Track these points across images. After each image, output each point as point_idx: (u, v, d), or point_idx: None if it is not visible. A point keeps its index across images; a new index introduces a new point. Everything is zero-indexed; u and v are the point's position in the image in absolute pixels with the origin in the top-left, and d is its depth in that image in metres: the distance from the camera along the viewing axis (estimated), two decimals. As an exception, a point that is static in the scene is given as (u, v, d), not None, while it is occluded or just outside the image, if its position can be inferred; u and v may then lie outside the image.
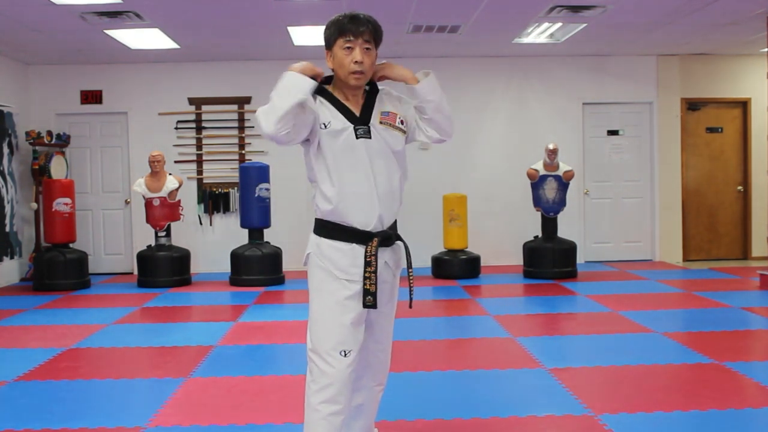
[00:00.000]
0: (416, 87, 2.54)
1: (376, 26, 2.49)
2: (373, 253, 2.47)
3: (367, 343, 2.62)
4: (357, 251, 2.49)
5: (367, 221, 2.49)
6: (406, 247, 2.67)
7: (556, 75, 9.51)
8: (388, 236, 2.55)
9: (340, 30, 2.46)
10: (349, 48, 2.45)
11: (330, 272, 2.50)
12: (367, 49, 2.46)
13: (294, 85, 2.32)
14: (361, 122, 2.49)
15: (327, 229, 2.52)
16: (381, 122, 2.53)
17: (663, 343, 5.06)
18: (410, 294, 2.64)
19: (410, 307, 2.69)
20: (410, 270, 2.64)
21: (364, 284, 2.47)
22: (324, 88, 2.53)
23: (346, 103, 2.52)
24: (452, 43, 8.48)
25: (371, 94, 2.59)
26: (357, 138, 2.46)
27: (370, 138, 2.49)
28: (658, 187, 9.64)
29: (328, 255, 2.51)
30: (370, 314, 2.60)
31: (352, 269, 2.49)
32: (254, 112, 9.25)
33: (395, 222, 2.64)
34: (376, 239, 2.49)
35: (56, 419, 3.60)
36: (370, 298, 2.47)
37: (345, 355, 2.43)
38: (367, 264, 2.47)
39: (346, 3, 6.52)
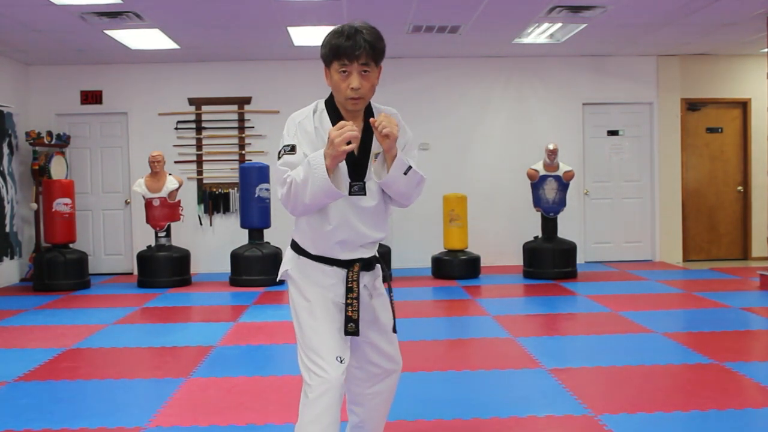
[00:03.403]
0: (383, 179, 2.36)
1: (374, 44, 2.28)
2: (354, 278, 2.41)
3: (370, 356, 2.61)
4: (339, 273, 2.45)
5: (347, 256, 2.44)
6: (384, 267, 2.61)
7: (556, 75, 9.51)
8: (369, 262, 2.49)
9: (335, 53, 2.28)
10: (345, 72, 2.29)
11: (312, 284, 2.47)
12: (365, 71, 2.29)
13: (325, 193, 2.23)
14: (357, 175, 2.37)
15: (306, 252, 2.49)
16: (375, 159, 2.40)
17: (663, 344, 5.06)
18: (393, 318, 2.60)
19: (394, 332, 2.62)
20: (391, 294, 2.59)
21: (346, 311, 2.41)
22: (332, 103, 2.42)
23: None
24: (452, 43, 8.48)
25: (368, 116, 2.42)
26: (350, 194, 2.35)
27: (364, 195, 2.39)
28: (658, 187, 9.64)
29: (308, 273, 2.47)
30: (367, 334, 2.56)
31: (336, 288, 2.44)
32: (254, 112, 9.17)
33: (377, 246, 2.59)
34: (357, 265, 2.43)
35: (56, 419, 3.60)
36: (351, 325, 2.41)
37: (341, 361, 2.38)
38: (348, 290, 2.41)
39: (346, 3, 6.52)
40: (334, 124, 2.33)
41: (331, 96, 2.43)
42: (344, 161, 2.29)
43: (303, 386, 2.42)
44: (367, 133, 2.38)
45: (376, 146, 2.40)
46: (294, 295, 2.52)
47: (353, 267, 2.42)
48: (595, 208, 9.70)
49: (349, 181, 2.36)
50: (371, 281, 2.55)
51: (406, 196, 2.44)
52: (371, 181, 2.40)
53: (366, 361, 2.63)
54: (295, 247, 2.54)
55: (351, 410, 2.78)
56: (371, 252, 2.51)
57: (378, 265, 2.57)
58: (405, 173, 2.34)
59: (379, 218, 2.48)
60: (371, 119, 2.30)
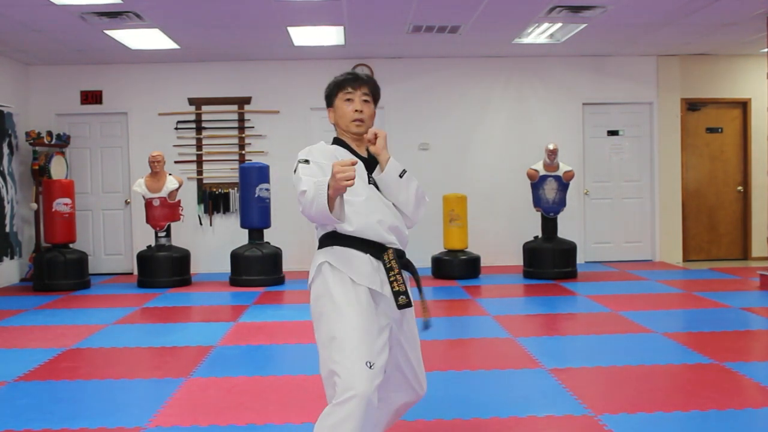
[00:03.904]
0: (380, 175, 2.59)
1: (374, 83, 2.69)
2: (392, 258, 2.51)
3: (398, 360, 2.62)
4: (374, 261, 2.51)
5: (380, 238, 2.53)
6: (415, 272, 2.65)
7: (556, 75, 9.51)
8: (401, 253, 2.59)
9: (339, 85, 2.65)
10: (349, 100, 2.62)
11: (347, 280, 2.46)
12: (366, 101, 2.64)
13: (324, 217, 2.38)
14: (370, 169, 2.61)
15: (341, 239, 2.52)
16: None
17: (663, 344, 5.06)
18: (424, 315, 2.61)
19: (426, 328, 2.62)
20: (421, 294, 2.62)
21: (392, 287, 2.48)
22: (337, 138, 2.70)
23: (355, 150, 2.65)
24: (452, 43, 8.48)
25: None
26: (369, 183, 2.58)
27: (377, 188, 2.61)
28: (658, 187, 9.64)
29: (345, 261, 2.49)
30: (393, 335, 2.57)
31: (374, 275, 2.48)
32: (254, 112, 9.18)
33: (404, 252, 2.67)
34: (391, 249, 2.53)
35: (56, 419, 3.60)
36: (403, 297, 2.47)
37: (370, 367, 2.33)
38: (388, 270, 2.49)
39: (346, 3, 6.52)
40: (345, 148, 2.63)
41: (335, 138, 2.71)
42: (361, 162, 2.55)
43: (326, 391, 2.42)
44: (372, 158, 2.65)
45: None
46: (321, 293, 2.49)
47: (388, 251, 2.51)
48: (595, 208, 9.71)
49: (367, 173, 2.60)
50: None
51: (407, 205, 2.62)
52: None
53: (395, 366, 2.63)
54: (327, 239, 2.56)
55: None
56: (401, 246, 2.60)
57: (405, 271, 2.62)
58: (400, 176, 2.57)
59: (399, 214, 2.64)
60: (364, 135, 2.60)
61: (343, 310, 2.42)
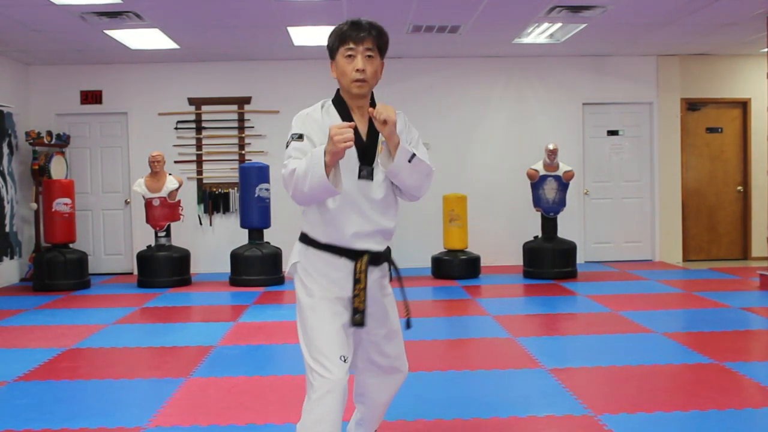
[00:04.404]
0: (389, 168, 2.39)
1: (380, 31, 2.42)
2: (362, 269, 2.43)
3: (372, 355, 2.62)
4: (347, 265, 2.45)
5: (358, 244, 2.45)
6: (397, 270, 2.62)
7: (556, 75, 9.51)
8: (378, 257, 2.50)
9: (341, 38, 2.40)
10: (350, 56, 2.39)
11: (317, 281, 2.46)
12: (370, 56, 2.39)
13: (322, 188, 2.26)
14: (367, 159, 2.42)
15: (315, 242, 2.49)
16: (383, 146, 2.43)
17: (663, 343, 5.06)
18: (407, 315, 2.60)
19: (407, 327, 2.63)
20: (404, 293, 2.60)
21: (353, 302, 2.43)
22: (337, 97, 2.50)
23: (353, 116, 2.45)
24: (452, 43, 8.48)
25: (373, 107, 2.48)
26: (358, 178, 2.40)
27: (371, 180, 2.43)
28: (658, 187, 9.64)
29: (316, 266, 2.47)
30: (372, 333, 2.57)
31: (344, 282, 2.45)
32: (254, 112, 9.14)
33: (388, 248, 2.59)
34: (366, 256, 2.44)
35: (56, 419, 3.60)
36: (358, 317, 2.42)
37: (344, 360, 2.38)
38: (356, 281, 2.43)
39: (346, 3, 6.52)
40: (341, 116, 2.43)
41: (337, 93, 2.49)
42: (354, 146, 2.34)
43: (306, 385, 2.42)
44: (374, 131, 2.44)
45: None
46: (299, 291, 2.52)
47: (361, 258, 2.43)
48: (595, 208, 9.71)
49: (359, 164, 2.41)
50: (380, 278, 2.56)
51: (415, 188, 2.47)
52: (378, 170, 2.44)
53: (368, 359, 2.64)
54: (304, 238, 2.53)
55: (356, 401, 2.81)
56: (381, 245, 2.51)
57: (386, 264, 2.58)
58: (410, 161, 2.37)
59: (389, 208, 2.50)
60: (370, 109, 2.36)
61: (316, 308, 2.44)
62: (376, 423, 2.87)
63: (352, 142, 2.19)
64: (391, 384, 2.73)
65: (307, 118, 2.46)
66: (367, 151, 2.43)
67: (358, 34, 2.37)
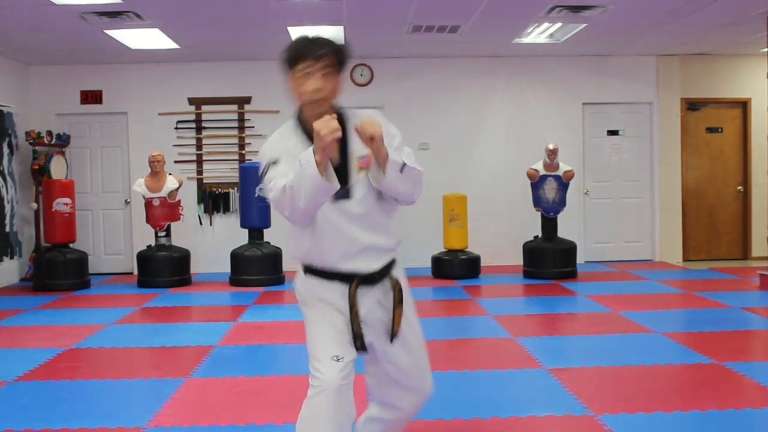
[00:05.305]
0: (382, 183, 2.31)
1: (338, 48, 2.31)
2: (353, 293, 2.39)
3: (391, 372, 2.56)
4: (341, 288, 2.42)
5: (347, 266, 2.40)
6: (399, 285, 2.49)
7: (556, 75, 9.51)
8: (371, 277, 2.43)
9: (298, 55, 2.29)
10: (307, 74, 2.28)
11: (316, 306, 2.46)
12: (327, 73, 2.29)
13: (319, 190, 2.19)
14: (341, 178, 2.27)
15: (309, 267, 2.48)
16: (360, 169, 2.33)
17: (663, 343, 5.06)
18: (393, 329, 2.48)
19: (390, 341, 2.49)
20: (398, 308, 2.47)
21: (352, 327, 2.41)
22: (300, 118, 2.40)
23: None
24: (452, 43, 8.48)
25: (341, 121, 2.31)
26: (335, 199, 2.30)
27: (348, 199, 2.34)
28: (658, 187, 9.64)
29: (313, 290, 2.47)
30: (388, 349, 2.52)
31: (340, 302, 2.42)
32: (254, 112, 9.11)
33: (391, 261, 2.52)
34: (355, 281, 2.39)
35: (56, 419, 3.60)
36: (358, 343, 2.41)
37: (337, 360, 2.36)
38: (351, 306, 2.39)
39: (346, 3, 6.52)
40: (306, 134, 2.34)
41: (299, 110, 2.41)
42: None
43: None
44: (343, 135, 2.28)
45: (356, 149, 2.35)
46: (303, 310, 2.54)
47: (353, 283, 2.40)
48: (595, 207, 9.71)
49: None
50: (382, 295, 2.48)
51: (408, 194, 2.40)
52: (358, 187, 2.36)
53: (388, 379, 2.58)
54: (302, 264, 2.53)
55: (373, 403, 2.75)
56: (374, 263, 2.44)
57: (387, 280, 2.49)
58: (401, 171, 2.30)
59: (377, 223, 2.42)
60: (355, 126, 2.25)
61: (314, 318, 2.46)
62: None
63: (339, 132, 2.12)
64: (411, 397, 2.63)
65: (274, 144, 2.40)
66: (340, 169, 2.31)
67: (315, 52, 2.27)
